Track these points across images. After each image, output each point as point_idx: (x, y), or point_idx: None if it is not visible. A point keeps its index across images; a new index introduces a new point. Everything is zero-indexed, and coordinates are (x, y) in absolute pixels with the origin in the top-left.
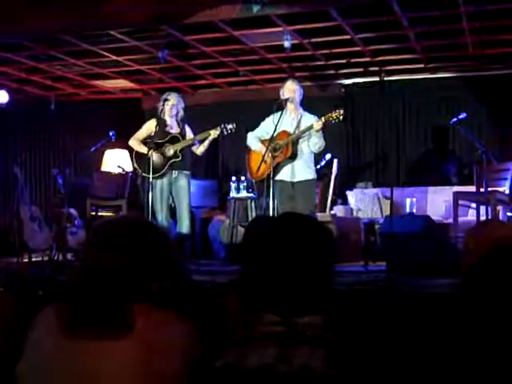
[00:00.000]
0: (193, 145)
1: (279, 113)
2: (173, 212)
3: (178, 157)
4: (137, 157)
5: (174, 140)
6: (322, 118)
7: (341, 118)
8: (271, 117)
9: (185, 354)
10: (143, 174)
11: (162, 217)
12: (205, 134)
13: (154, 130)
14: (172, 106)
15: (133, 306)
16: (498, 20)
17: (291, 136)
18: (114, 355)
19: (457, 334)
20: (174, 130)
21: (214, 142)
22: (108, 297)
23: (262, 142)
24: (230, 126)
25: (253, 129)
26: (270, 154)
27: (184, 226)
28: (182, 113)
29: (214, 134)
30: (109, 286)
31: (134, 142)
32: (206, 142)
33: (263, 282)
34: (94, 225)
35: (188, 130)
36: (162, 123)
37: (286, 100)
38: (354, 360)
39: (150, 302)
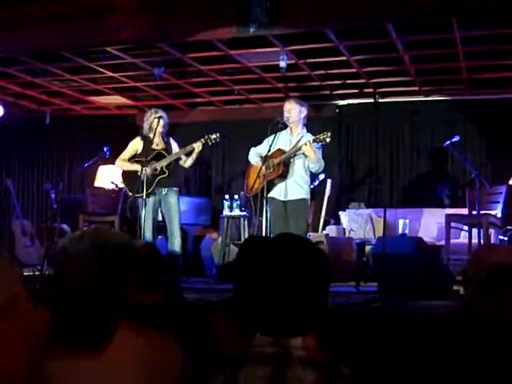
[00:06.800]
0: (179, 159)
1: (275, 132)
2: (164, 229)
3: (165, 173)
4: (124, 176)
5: (159, 156)
6: (310, 140)
7: (327, 139)
8: (270, 135)
9: (175, 375)
10: (130, 193)
11: (149, 234)
12: (189, 147)
13: (139, 148)
14: (164, 124)
15: (118, 327)
16: (492, 45)
17: (284, 155)
18: (100, 377)
19: (447, 355)
20: (160, 146)
21: (207, 159)
22: (85, 317)
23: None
24: (213, 137)
25: (251, 146)
26: (264, 171)
27: (175, 244)
28: (166, 128)
29: (198, 146)
30: (80, 306)
31: (120, 163)
32: (194, 155)
33: (256, 303)
34: (58, 245)
35: (174, 144)
36: (148, 141)
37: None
38: (347, 381)
39: (134, 321)
